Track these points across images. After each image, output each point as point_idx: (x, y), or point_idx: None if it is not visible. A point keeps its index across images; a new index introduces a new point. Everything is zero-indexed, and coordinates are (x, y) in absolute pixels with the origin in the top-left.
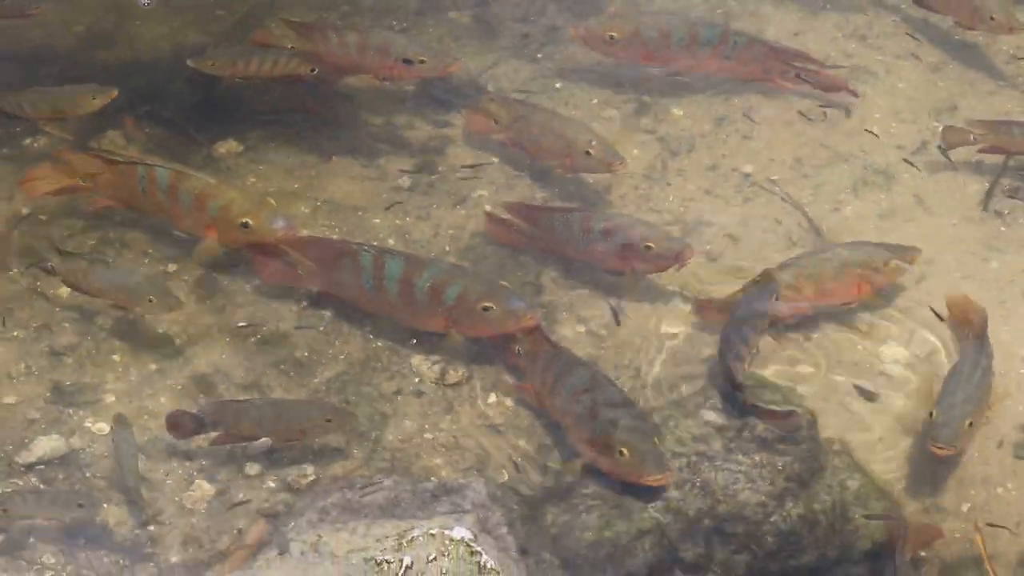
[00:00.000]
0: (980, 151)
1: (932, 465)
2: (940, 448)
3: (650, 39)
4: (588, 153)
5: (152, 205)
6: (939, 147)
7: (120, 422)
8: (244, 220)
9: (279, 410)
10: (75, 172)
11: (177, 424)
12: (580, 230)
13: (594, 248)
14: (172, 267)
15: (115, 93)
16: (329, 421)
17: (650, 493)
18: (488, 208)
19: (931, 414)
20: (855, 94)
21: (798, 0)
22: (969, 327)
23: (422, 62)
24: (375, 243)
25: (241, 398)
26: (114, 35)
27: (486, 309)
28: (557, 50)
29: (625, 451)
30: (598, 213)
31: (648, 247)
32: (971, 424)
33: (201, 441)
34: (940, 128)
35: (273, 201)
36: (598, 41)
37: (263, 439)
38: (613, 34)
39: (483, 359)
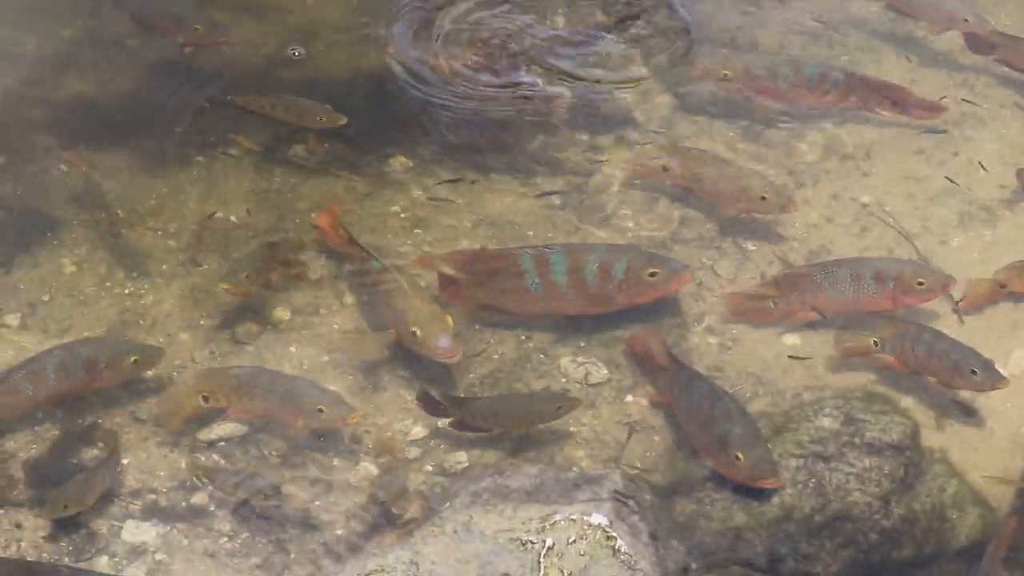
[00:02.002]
0: None
1: None
2: None
3: (761, 76)
4: (764, 198)
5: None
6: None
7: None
8: (414, 330)
9: (510, 404)
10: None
11: (423, 403)
12: (851, 279)
13: (867, 294)
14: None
15: (343, 121)
16: (560, 408)
17: (764, 494)
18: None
19: None
20: (943, 109)
21: (915, 51)
22: None
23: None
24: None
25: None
26: (299, 57)
27: (652, 275)
28: (695, 86)
29: (740, 456)
30: (858, 261)
31: (920, 283)
32: None
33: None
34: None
35: (450, 320)
36: (713, 78)
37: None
38: (727, 72)
39: (622, 365)
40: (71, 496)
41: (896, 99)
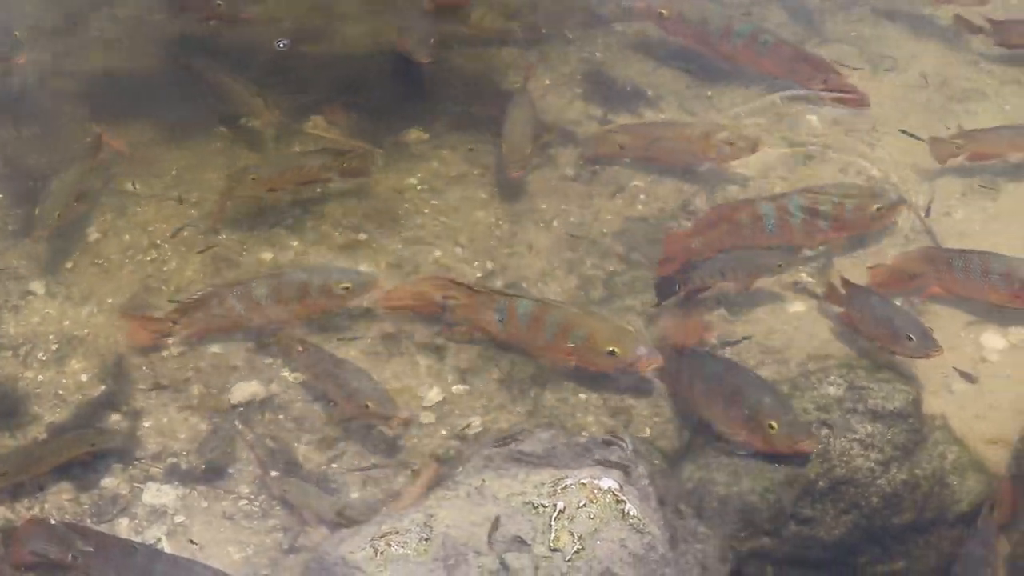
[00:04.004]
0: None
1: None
2: None
3: (691, 22)
4: (730, 144)
5: (512, 336)
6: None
7: None
8: (611, 348)
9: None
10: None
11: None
12: (981, 271)
13: (994, 286)
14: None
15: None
16: (780, 266)
17: (796, 459)
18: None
19: None
20: (865, 103)
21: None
22: None
23: None
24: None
25: None
26: (319, 31)
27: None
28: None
29: (775, 424)
30: (994, 256)
31: None
32: None
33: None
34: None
35: (631, 328)
36: (650, 14)
37: None
38: (664, 11)
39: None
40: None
41: (823, 76)
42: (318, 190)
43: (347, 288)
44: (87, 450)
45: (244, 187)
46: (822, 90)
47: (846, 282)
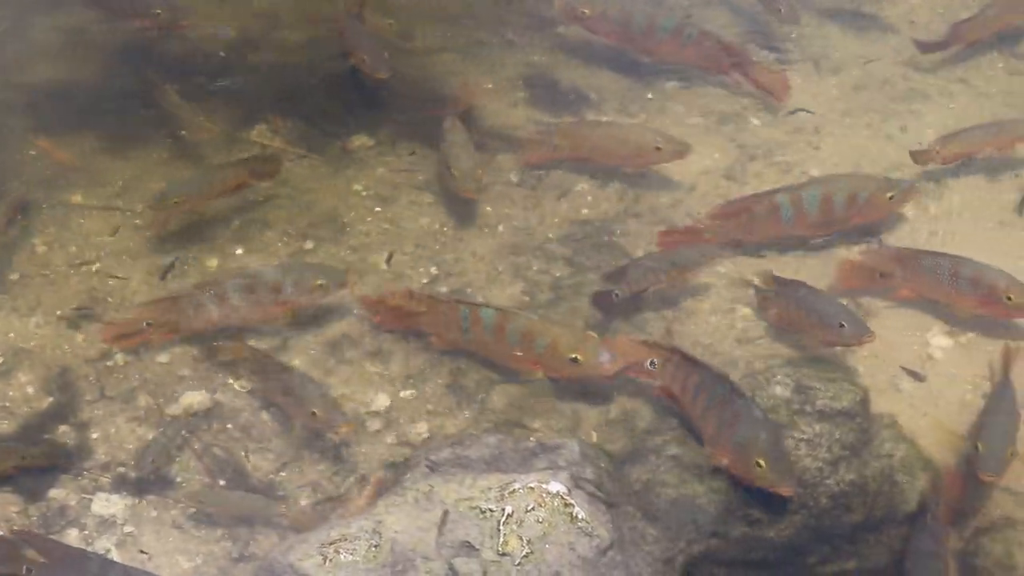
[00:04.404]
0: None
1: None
2: (989, 476)
3: (615, 20)
4: (658, 149)
5: (476, 345)
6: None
7: None
8: (573, 356)
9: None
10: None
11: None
12: (949, 275)
13: (962, 292)
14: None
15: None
16: (705, 257)
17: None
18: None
19: (977, 447)
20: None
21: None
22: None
23: None
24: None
25: None
26: (261, 40)
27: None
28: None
29: (763, 463)
30: (966, 260)
31: (1009, 298)
32: (1012, 453)
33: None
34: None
35: (594, 334)
36: (572, 15)
37: None
38: (585, 11)
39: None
40: None
41: (745, 67)
42: (251, 198)
43: (321, 285)
44: (17, 464)
45: (167, 212)
46: (742, 80)
47: (774, 279)
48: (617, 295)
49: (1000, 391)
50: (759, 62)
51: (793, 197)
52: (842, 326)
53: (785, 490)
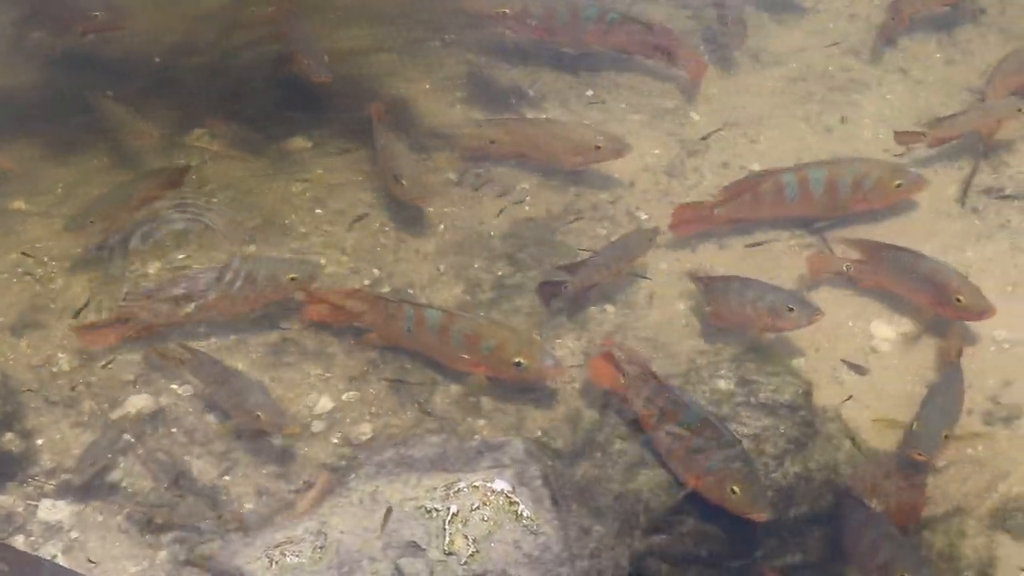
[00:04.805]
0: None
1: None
2: (919, 455)
3: (537, 15)
4: (598, 147)
5: (420, 345)
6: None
7: None
8: (518, 360)
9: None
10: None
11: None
12: (909, 271)
13: (916, 288)
14: None
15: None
16: (651, 240)
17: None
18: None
19: (912, 425)
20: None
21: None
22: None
23: None
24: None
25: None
26: (201, 44)
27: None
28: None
29: (737, 490)
30: (925, 258)
31: (959, 299)
32: (947, 436)
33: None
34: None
35: (538, 337)
36: (491, 16)
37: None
38: (505, 10)
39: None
40: None
41: (668, 49)
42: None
43: (294, 279)
44: None
45: (86, 233)
46: (664, 62)
47: (702, 278)
48: (567, 287)
49: (947, 376)
50: (682, 43)
51: (800, 176)
52: (791, 309)
53: (758, 516)
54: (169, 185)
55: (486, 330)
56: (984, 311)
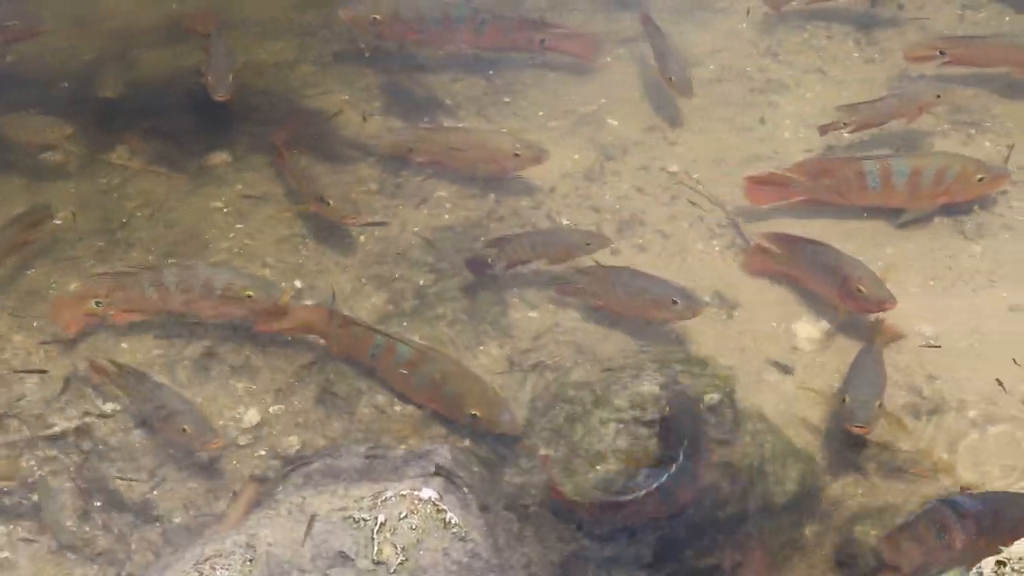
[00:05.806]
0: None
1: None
2: (858, 427)
3: (408, 20)
4: (517, 155)
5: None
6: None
7: None
8: (473, 412)
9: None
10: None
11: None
12: (819, 264)
13: (823, 280)
14: None
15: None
16: (588, 244)
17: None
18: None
19: (844, 400)
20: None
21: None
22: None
23: None
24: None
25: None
26: (118, 60)
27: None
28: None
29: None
30: (842, 254)
31: (859, 289)
32: (880, 405)
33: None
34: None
35: (498, 392)
36: (364, 24)
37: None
38: (377, 16)
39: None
40: None
41: (552, 38)
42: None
43: (250, 295)
44: None
45: None
46: (547, 49)
47: (594, 269)
48: (491, 262)
49: (863, 353)
50: (564, 28)
51: (883, 166)
52: (675, 302)
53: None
54: (35, 225)
55: (453, 376)
56: (884, 301)
